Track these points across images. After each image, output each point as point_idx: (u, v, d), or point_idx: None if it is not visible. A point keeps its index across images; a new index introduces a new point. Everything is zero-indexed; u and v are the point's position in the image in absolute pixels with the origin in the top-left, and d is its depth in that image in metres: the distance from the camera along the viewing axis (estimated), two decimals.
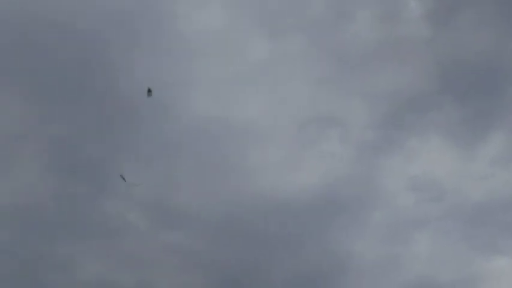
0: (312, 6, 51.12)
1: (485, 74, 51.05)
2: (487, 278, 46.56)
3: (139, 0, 47.70)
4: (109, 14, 46.77)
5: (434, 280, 45.88)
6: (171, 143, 47.34)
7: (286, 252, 45.38)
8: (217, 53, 49.04)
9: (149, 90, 34.27)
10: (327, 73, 49.93)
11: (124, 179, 35.38)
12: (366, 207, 48.88)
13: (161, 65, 47.57)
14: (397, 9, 51.78)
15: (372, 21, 51.26)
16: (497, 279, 46.68)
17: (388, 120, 50.84)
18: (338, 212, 47.99)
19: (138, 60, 46.94)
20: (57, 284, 41.92)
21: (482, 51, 51.29)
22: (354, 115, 50.63)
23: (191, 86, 48.58)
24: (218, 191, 46.95)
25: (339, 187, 48.62)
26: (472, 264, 47.17)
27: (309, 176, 48.42)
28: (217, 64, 49.07)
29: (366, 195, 49.34)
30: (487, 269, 46.96)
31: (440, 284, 45.62)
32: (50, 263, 42.44)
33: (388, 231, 48.20)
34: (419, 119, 51.22)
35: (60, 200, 45.37)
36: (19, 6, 46.59)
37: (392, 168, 50.08)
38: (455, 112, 51.00)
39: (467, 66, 51.22)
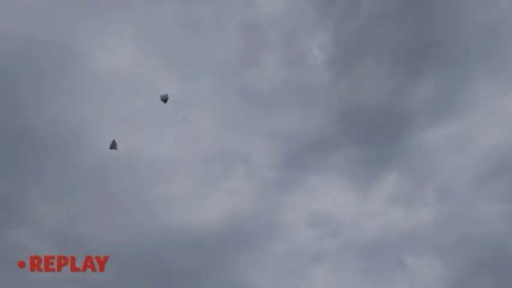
0: (220, 50, 53.57)
1: (382, 118, 54.54)
2: None
3: (48, 36, 48.50)
4: (18, 51, 47.57)
5: None
6: (78, 177, 48.03)
7: (189, 286, 46.47)
8: (127, 90, 50.55)
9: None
10: (234, 113, 52.33)
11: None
12: (267, 242, 51.08)
13: (71, 102, 48.71)
14: (302, 55, 54.94)
15: (277, 65, 54.04)
16: None
17: (291, 159, 53.70)
18: (240, 246, 49.82)
19: (45, 97, 47.89)
20: None
21: (380, 96, 54.92)
22: (258, 153, 53.21)
23: (100, 122, 49.42)
24: (123, 225, 47.82)
25: (242, 222, 50.66)
26: None
27: (214, 211, 50.27)
28: (127, 101, 50.51)
29: (268, 230, 51.54)
30: None
31: None
32: None
33: (287, 264, 50.40)
34: (320, 159, 54.11)
35: None
36: None
37: (293, 204, 52.71)
38: (353, 153, 54.33)
39: (366, 111, 54.71)
